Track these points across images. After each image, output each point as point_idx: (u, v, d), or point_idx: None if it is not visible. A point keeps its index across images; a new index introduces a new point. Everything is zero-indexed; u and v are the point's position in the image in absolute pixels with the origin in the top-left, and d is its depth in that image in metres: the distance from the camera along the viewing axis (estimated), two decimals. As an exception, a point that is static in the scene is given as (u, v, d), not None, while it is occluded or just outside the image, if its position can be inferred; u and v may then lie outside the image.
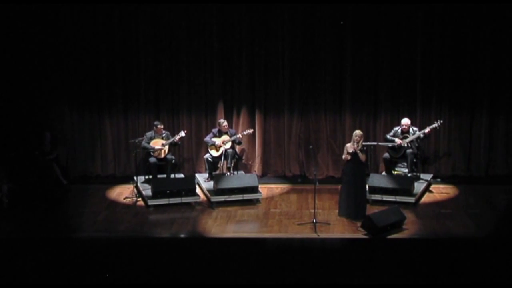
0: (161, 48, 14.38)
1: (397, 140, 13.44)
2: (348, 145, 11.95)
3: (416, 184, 13.05)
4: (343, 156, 12.00)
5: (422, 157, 14.09)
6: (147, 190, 13.00)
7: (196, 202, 12.74)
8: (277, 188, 13.90)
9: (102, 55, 14.33)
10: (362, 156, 11.80)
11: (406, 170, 13.61)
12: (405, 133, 13.51)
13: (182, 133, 13.63)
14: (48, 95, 14.36)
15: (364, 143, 12.05)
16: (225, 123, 13.80)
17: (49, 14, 14.04)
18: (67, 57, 14.29)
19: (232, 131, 13.93)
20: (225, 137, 13.72)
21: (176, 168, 14.14)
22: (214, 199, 12.71)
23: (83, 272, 9.82)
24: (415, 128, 13.60)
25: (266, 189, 13.60)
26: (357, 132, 11.97)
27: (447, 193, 13.37)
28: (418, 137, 13.51)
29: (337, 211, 12.09)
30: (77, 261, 10.19)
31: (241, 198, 12.76)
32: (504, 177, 14.27)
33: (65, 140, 14.51)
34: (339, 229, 11.46)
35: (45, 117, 14.36)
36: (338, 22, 14.11)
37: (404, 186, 12.62)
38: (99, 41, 14.27)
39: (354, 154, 11.78)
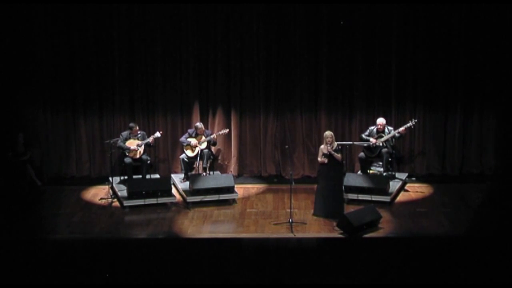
0: (136, 48, 14.32)
1: (372, 140, 13.54)
2: (322, 146, 12.03)
3: (391, 183, 13.13)
4: (319, 159, 12.06)
5: (397, 157, 14.14)
6: (122, 191, 12.98)
7: (172, 203, 12.73)
8: (253, 188, 13.93)
9: (76, 55, 14.23)
10: (337, 156, 11.89)
11: (382, 169, 13.70)
12: (380, 132, 13.60)
13: (158, 134, 13.61)
14: (21, 95, 14.24)
15: (339, 143, 12.14)
16: (202, 126, 13.80)
17: (22, 13, 13.93)
18: (40, 57, 14.19)
19: (208, 131, 13.94)
20: (200, 138, 13.74)
21: (151, 169, 14.12)
22: (190, 199, 12.72)
23: (58, 274, 9.77)
24: (390, 128, 13.68)
25: (242, 189, 13.63)
26: (327, 133, 12.05)
27: (422, 192, 13.48)
28: (393, 137, 13.61)
29: (313, 210, 12.15)
30: (52, 263, 10.14)
31: (217, 198, 12.78)
32: (478, 176, 14.43)
33: (39, 141, 14.39)
34: (315, 228, 11.50)
35: (18, 118, 14.23)
36: (313, 21, 14.19)
37: (379, 185, 12.72)
38: (73, 40, 14.19)
39: (329, 155, 11.87)
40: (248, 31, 14.31)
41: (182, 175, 13.81)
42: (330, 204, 11.84)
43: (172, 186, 13.12)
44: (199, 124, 13.82)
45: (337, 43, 14.30)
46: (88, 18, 14.14)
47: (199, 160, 13.59)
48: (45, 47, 14.19)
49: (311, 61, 14.43)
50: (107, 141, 13.73)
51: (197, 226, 11.68)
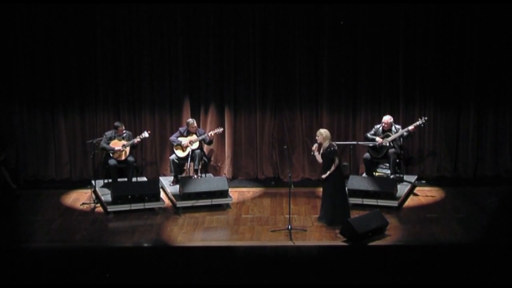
0: (121, 41, 14.31)
1: (378, 139, 13.54)
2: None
3: (399, 186, 13.15)
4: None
5: (406, 157, 14.19)
6: (106, 195, 12.95)
7: (160, 208, 12.73)
8: (248, 192, 13.95)
9: (55, 48, 14.23)
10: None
11: (388, 171, 13.70)
12: (387, 131, 13.60)
13: (145, 134, 13.59)
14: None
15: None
16: (195, 123, 13.80)
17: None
18: (16, 50, 14.18)
19: (201, 131, 13.93)
20: (192, 137, 13.74)
21: (138, 171, 14.11)
22: (180, 204, 12.71)
23: (35, 286, 9.75)
24: (397, 126, 13.67)
25: (236, 193, 13.64)
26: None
27: (432, 196, 13.50)
28: (401, 136, 13.61)
29: (314, 216, 12.17)
30: (29, 274, 10.10)
31: (209, 203, 12.78)
32: (493, 178, 14.46)
33: (14, 140, 14.39)
34: (316, 236, 11.50)
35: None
36: (314, 13, 14.18)
37: (386, 188, 12.72)
38: (51, 32, 14.18)
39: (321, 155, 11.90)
40: (243, 23, 14.29)
41: (171, 178, 13.81)
42: (334, 209, 11.84)
43: (161, 190, 13.13)
44: (191, 120, 13.80)
45: (340, 36, 14.30)
46: (69, 8, 14.09)
47: (190, 161, 13.60)
48: (21, 38, 14.16)
49: (311, 54, 14.42)
50: (90, 141, 13.72)
51: (188, 234, 11.67)
